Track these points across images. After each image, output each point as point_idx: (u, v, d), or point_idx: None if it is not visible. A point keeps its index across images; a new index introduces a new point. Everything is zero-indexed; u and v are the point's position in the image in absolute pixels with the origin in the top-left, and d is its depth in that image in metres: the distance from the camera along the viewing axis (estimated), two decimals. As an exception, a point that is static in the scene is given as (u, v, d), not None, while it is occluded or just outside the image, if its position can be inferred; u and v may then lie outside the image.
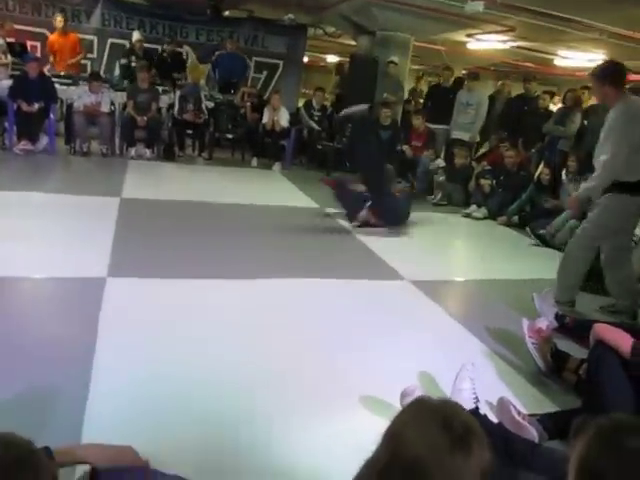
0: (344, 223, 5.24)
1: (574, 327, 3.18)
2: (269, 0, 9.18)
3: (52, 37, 8.60)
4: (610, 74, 3.19)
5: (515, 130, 7.60)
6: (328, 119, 8.64)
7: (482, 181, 6.37)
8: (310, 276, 3.75)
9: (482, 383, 2.44)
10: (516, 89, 8.83)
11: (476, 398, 2.24)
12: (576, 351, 2.78)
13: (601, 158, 3.26)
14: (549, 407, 2.42)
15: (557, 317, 3.28)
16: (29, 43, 9.14)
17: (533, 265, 4.79)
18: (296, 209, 5.65)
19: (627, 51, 9.06)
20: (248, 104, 8.44)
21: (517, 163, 6.37)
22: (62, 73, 8.41)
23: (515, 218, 5.95)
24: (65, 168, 6.64)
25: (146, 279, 3.38)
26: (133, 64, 8.29)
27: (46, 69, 8.76)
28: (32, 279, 3.23)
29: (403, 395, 2.18)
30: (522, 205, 5.98)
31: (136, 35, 8.74)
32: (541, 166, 6.47)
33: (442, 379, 2.51)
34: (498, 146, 7.05)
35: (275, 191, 6.49)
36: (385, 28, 8.55)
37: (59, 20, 8.41)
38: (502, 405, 2.18)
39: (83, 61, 8.99)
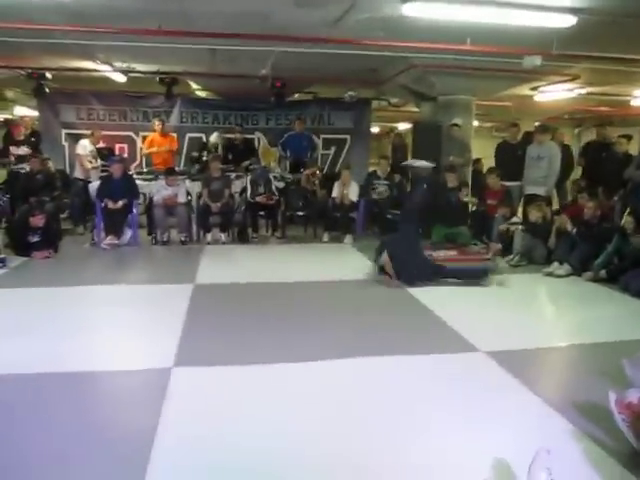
0: (411, 290, 5.13)
1: (676, 396, 2.81)
2: (329, 81, 9.56)
3: (152, 137, 9.41)
4: None
5: (594, 179, 7.25)
6: (397, 187, 8.65)
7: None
8: (379, 354, 3.60)
9: (567, 468, 2.20)
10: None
11: (555, 491, 1.99)
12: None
13: None
14: (648, 496, 2.11)
15: (654, 385, 2.93)
16: (117, 146, 10.07)
17: (627, 324, 4.36)
18: (365, 282, 5.56)
19: None
20: (316, 181, 8.66)
21: (598, 214, 5.99)
22: (145, 170, 9.13)
23: (602, 273, 5.52)
24: (146, 259, 7.00)
25: (213, 367, 3.38)
26: (204, 158, 8.83)
27: (134, 166, 9.59)
28: (100, 372, 3.33)
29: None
30: (609, 258, 5.56)
31: (214, 138, 9.30)
32: (626, 214, 6.04)
33: (522, 465, 2.25)
34: (576, 197, 6.70)
35: (345, 265, 6.45)
36: (445, 93, 8.58)
37: (157, 124, 9.29)
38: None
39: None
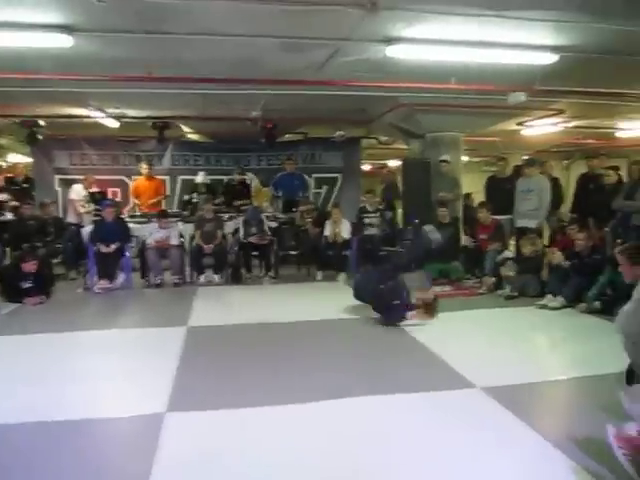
0: (406, 327, 5.11)
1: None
2: (319, 121, 9.72)
3: (138, 181, 9.50)
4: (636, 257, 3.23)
5: (584, 210, 7.31)
6: (388, 223, 8.70)
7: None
8: (373, 393, 3.55)
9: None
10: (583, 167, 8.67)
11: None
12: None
13: None
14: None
15: (654, 418, 2.89)
16: (110, 190, 10.11)
17: (623, 356, 4.32)
18: (358, 320, 5.54)
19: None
20: (309, 220, 8.70)
21: (590, 245, 6.03)
22: (138, 213, 9.17)
23: (596, 304, 5.52)
24: (139, 302, 6.94)
25: (206, 411, 3.31)
26: (194, 200, 8.89)
27: (127, 209, 9.64)
28: (92, 420, 3.24)
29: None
30: (602, 289, 5.57)
31: (200, 178, 9.42)
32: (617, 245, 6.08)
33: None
34: (565, 228, 6.76)
35: (339, 303, 6.38)
36: (433, 130, 8.74)
37: (144, 167, 9.37)
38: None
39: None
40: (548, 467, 2.61)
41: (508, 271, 6.53)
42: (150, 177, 9.47)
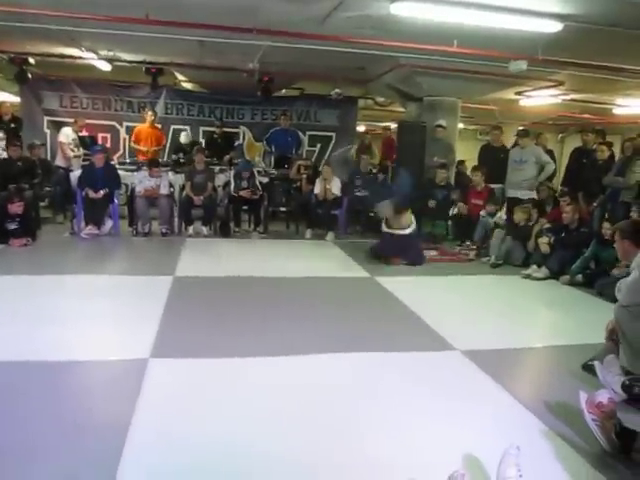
0: (391, 288, 5.16)
1: (646, 398, 2.86)
2: (316, 77, 9.55)
3: (140, 128, 9.30)
4: (630, 234, 3.13)
5: (575, 184, 7.34)
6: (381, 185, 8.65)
7: (539, 240, 6.09)
8: (356, 350, 3.62)
9: (538, 467, 2.25)
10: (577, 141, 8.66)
11: (524, 487, 2.02)
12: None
13: None
14: (616, 495, 2.15)
15: (624, 387, 2.97)
16: (100, 135, 9.93)
17: (600, 328, 4.41)
18: (345, 279, 5.61)
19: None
20: (304, 176, 8.63)
21: (577, 219, 6.07)
22: (128, 160, 9.05)
23: (579, 277, 5.61)
24: (126, 250, 6.94)
25: (189, 359, 3.38)
26: (182, 160, 8.76)
27: (117, 156, 9.49)
28: (75, 362, 3.28)
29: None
30: (586, 263, 5.65)
31: (184, 138, 9.30)
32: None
33: (492, 462, 2.28)
34: (558, 202, 6.78)
35: (326, 262, 6.46)
36: (431, 93, 8.63)
37: (150, 115, 9.19)
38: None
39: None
40: (520, 429, 2.69)
41: (495, 236, 6.58)
42: (153, 125, 9.29)
